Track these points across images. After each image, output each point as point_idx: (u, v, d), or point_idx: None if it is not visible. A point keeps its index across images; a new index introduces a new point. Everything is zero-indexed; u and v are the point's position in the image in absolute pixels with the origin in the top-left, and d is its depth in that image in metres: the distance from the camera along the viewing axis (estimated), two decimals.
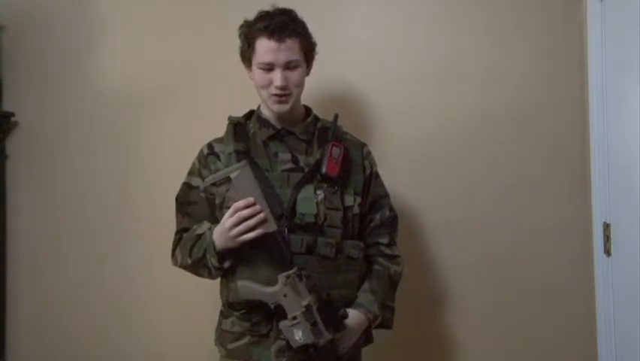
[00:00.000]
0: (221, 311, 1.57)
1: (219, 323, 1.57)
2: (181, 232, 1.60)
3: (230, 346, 1.51)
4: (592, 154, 1.86)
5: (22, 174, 2.22)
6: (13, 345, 2.20)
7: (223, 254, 1.46)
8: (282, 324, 1.36)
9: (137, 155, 2.15)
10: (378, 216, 1.62)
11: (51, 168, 2.20)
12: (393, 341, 1.83)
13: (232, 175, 1.34)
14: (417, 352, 2.02)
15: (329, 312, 1.36)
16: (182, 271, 1.62)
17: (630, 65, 1.63)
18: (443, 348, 2.02)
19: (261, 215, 1.37)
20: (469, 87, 2.01)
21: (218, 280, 1.58)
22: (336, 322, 1.38)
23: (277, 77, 1.49)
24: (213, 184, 1.40)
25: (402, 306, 1.99)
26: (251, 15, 1.56)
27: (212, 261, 1.47)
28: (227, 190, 1.37)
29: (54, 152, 2.20)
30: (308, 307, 1.33)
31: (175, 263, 1.61)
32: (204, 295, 1.84)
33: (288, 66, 1.50)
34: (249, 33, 1.52)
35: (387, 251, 1.62)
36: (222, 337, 1.55)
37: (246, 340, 1.49)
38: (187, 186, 1.60)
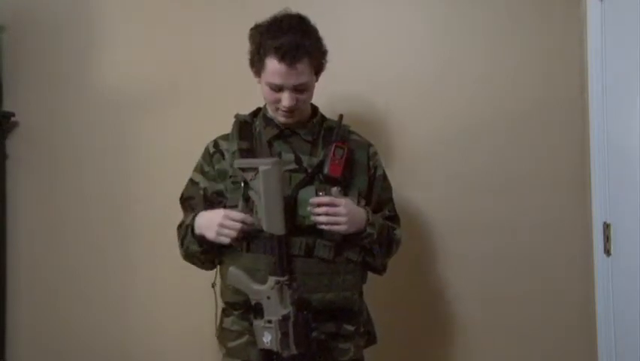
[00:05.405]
0: (223, 309, 1.57)
1: (221, 321, 1.57)
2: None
3: (231, 344, 1.52)
4: (592, 154, 1.86)
5: (22, 174, 2.22)
6: (13, 345, 2.20)
7: (202, 241, 1.47)
8: (256, 323, 1.37)
9: (137, 155, 2.15)
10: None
11: (51, 168, 2.20)
12: (395, 341, 1.83)
13: (261, 168, 1.36)
14: (417, 351, 2.02)
15: (303, 330, 1.36)
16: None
17: (630, 65, 1.62)
18: (443, 347, 2.02)
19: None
20: (470, 87, 2.01)
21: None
22: (307, 342, 1.37)
23: (285, 98, 1.47)
24: (242, 169, 1.41)
25: (402, 305, 2.01)
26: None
27: (192, 247, 1.50)
28: (252, 179, 1.38)
29: (54, 152, 2.20)
30: (285, 317, 1.34)
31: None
32: (205, 293, 1.84)
33: (297, 88, 1.47)
34: (260, 46, 1.47)
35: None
36: (223, 335, 1.55)
37: (244, 339, 1.49)
38: (190, 182, 1.61)
